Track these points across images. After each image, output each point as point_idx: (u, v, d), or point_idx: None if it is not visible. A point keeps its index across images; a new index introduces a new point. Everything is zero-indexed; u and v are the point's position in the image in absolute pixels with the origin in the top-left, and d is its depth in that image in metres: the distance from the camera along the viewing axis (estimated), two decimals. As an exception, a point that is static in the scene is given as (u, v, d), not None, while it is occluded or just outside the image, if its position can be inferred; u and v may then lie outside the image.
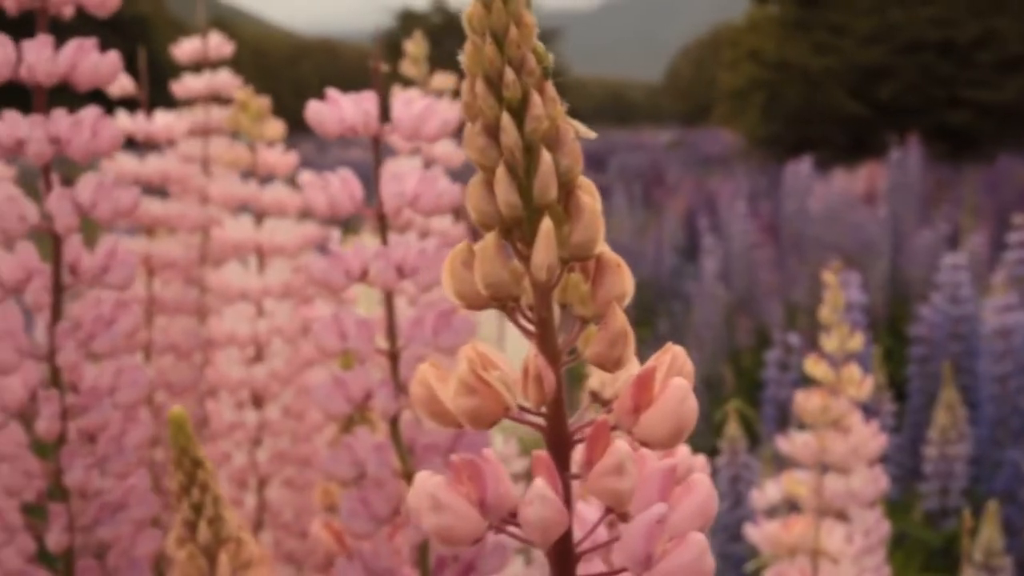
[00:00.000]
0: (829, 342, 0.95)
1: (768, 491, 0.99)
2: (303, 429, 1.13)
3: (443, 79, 1.43)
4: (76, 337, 0.64)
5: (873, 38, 19.20)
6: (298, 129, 1.11)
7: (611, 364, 0.33)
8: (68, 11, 0.66)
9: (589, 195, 0.33)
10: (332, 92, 0.70)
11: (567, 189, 0.33)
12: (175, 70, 1.32)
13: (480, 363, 0.33)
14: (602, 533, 0.36)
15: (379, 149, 0.69)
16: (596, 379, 0.36)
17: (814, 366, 0.94)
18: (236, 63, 1.36)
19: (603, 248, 0.34)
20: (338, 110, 0.68)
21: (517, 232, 0.33)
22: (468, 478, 0.33)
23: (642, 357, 0.35)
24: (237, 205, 1.17)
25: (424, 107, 0.68)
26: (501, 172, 0.32)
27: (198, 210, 1.19)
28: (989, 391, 1.79)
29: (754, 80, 20.55)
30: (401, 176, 0.68)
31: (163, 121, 1.20)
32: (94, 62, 0.66)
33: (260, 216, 1.17)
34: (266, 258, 1.16)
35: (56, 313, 0.66)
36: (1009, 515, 1.68)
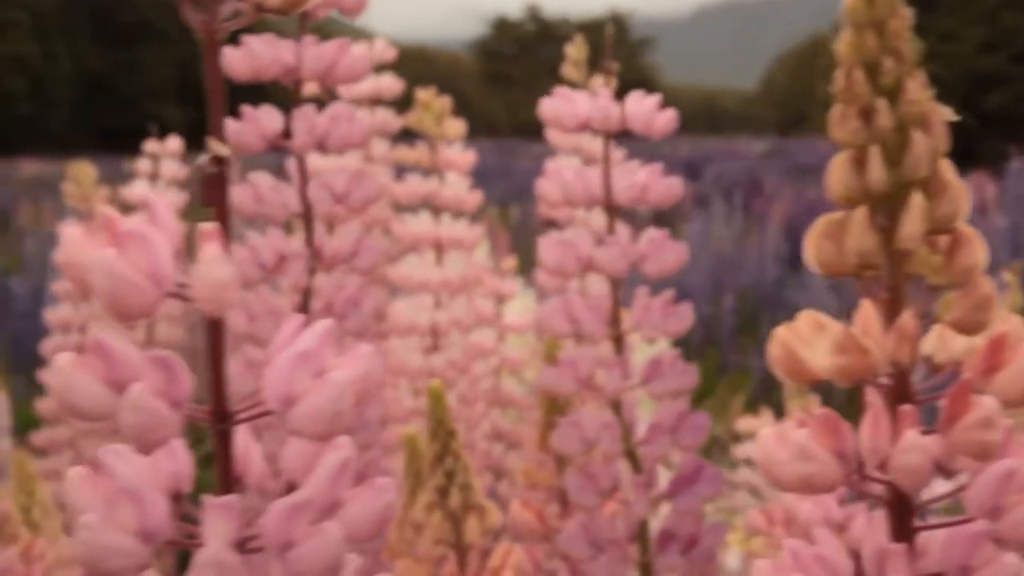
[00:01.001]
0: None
1: None
2: (473, 417, 1.18)
3: (601, 81, 1.46)
4: (329, 315, 0.69)
5: (986, 45, 18.78)
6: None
7: (973, 327, 0.36)
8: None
9: (951, 174, 0.36)
10: (563, 90, 0.74)
11: (932, 167, 0.36)
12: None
13: (848, 326, 0.36)
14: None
15: (608, 145, 0.73)
16: (928, 345, 0.39)
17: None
18: None
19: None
20: (573, 106, 0.72)
21: (882, 206, 0.36)
22: (826, 432, 0.36)
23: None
24: (419, 201, 1.22)
25: (653, 104, 0.72)
26: (874, 151, 0.35)
27: (380, 206, 1.24)
28: None
29: (856, 88, 20.17)
30: (633, 169, 0.71)
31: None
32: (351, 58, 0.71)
33: (437, 212, 1.22)
34: (444, 252, 1.20)
35: (308, 294, 0.71)
36: None
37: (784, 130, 58.25)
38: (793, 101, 54.65)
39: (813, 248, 0.37)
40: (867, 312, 0.37)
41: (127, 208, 1.38)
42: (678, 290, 0.76)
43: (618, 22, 67.13)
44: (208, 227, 0.31)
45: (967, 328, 0.36)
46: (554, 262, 0.72)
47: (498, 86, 65.85)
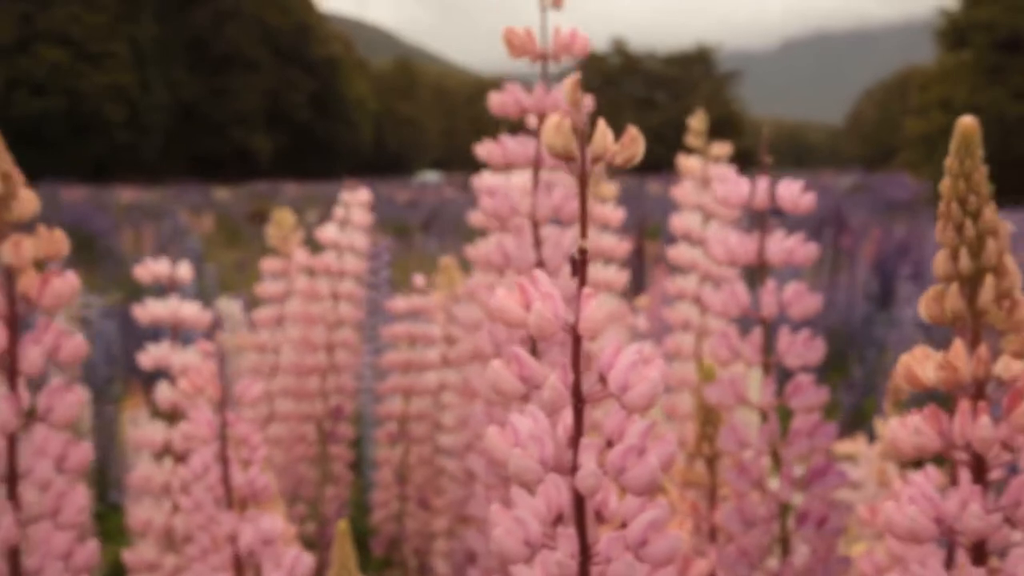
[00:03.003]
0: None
1: None
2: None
3: (721, 148, 1.69)
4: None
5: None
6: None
7: None
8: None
9: (1010, 262, 0.60)
10: (729, 173, 0.99)
11: (999, 259, 0.60)
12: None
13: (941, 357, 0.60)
14: None
15: (765, 217, 0.98)
16: (997, 368, 0.63)
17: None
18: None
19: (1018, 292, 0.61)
20: (739, 189, 0.97)
21: (968, 283, 0.60)
22: (933, 419, 0.61)
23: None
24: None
25: (798, 188, 0.97)
26: (963, 250, 0.60)
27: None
28: None
29: (943, 127, 20.21)
30: (781, 237, 0.96)
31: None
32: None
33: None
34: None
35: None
36: None
37: (870, 165, 57.73)
38: (880, 135, 53.87)
39: (925, 307, 0.62)
40: (958, 346, 0.61)
41: (317, 248, 1.65)
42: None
43: (704, 56, 67.41)
44: (586, 292, 0.57)
45: (1021, 356, 0.60)
46: (721, 305, 0.96)
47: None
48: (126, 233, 9.96)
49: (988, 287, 0.60)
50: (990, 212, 0.61)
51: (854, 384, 4.18)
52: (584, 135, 0.58)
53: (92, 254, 9.21)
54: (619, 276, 1.46)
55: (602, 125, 0.62)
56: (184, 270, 0.68)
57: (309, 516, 0.99)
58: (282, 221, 1.60)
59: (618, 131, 0.86)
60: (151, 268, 0.67)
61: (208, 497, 0.54)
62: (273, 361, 1.19)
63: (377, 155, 61.42)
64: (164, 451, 0.83)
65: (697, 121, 1.68)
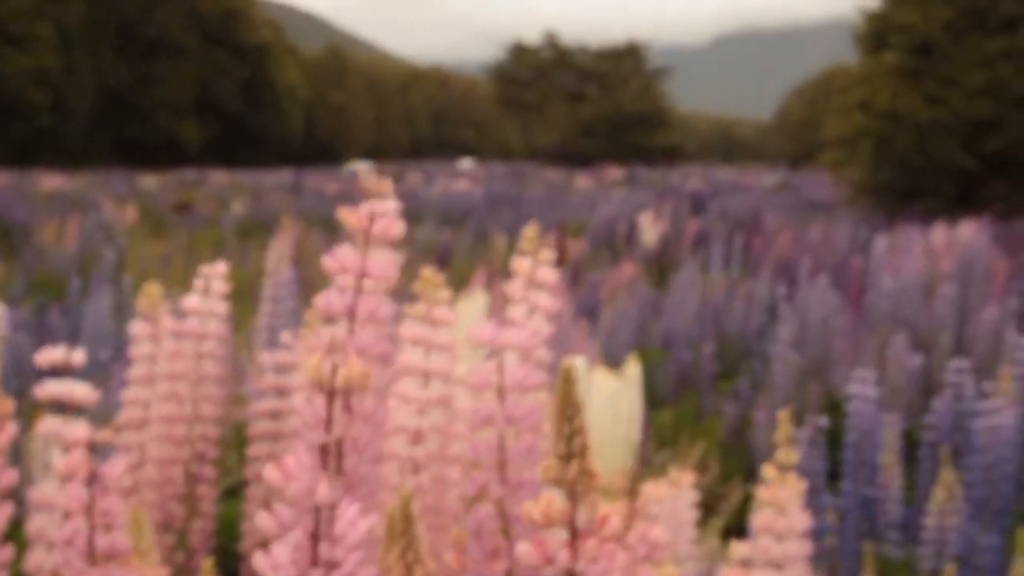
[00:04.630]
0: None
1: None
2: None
3: (546, 254, 1.79)
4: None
5: (982, 91, 19.32)
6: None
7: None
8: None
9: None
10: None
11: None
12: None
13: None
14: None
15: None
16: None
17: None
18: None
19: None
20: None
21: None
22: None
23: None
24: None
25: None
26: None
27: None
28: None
29: (863, 129, 20.76)
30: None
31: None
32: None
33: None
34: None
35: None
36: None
37: (797, 161, 58.74)
38: (806, 133, 54.97)
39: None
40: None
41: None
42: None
43: (635, 51, 67.65)
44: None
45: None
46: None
47: (513, 110, 66.27)
48: (47, 224, 9.80)
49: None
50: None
51: (739, 395, 4.38)
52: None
53: (9, 245, 9.09)
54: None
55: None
56: (78, 357, 0.83)
57: (178, 545, 1.16)
58: (151, 293, 1.56)
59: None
60: (48, 355, 0.83)
61: (75, 555, 0.72)
62: (143, 414, 1.23)
63: (307, 144, 60.88)
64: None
65: (530, 231, 1.71)
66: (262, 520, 0.63)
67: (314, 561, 0.63)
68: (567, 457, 0.69)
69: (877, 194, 21.06)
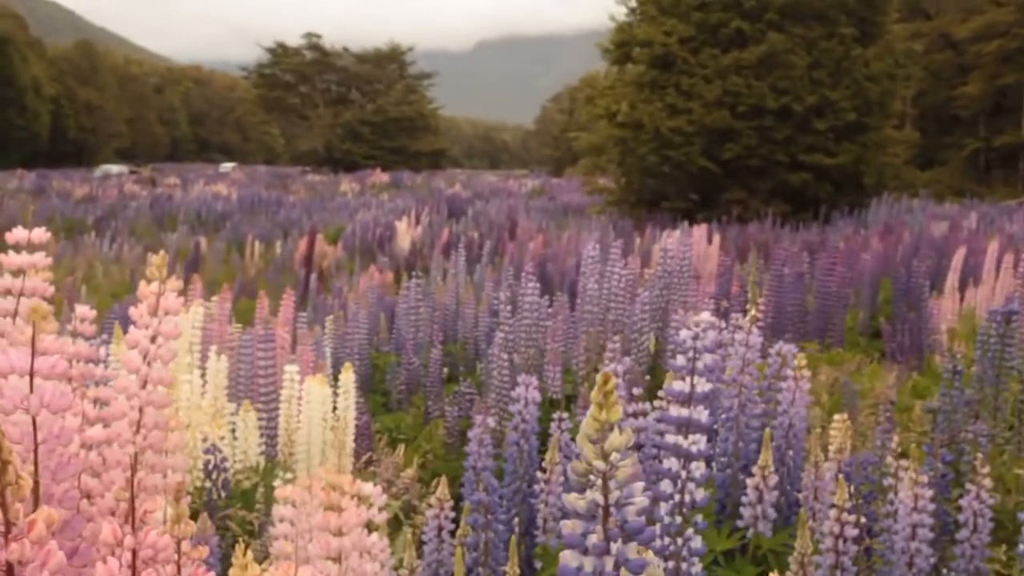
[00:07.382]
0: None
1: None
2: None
3: (175, 283, 1.78)
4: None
5: (718, 103, 20.52)
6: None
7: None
8: None
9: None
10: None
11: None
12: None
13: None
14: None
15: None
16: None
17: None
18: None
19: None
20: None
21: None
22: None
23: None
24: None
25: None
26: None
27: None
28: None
29: (610, 138, 21.63)
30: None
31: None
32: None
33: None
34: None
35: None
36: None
37: (559, 166, 60.26)
38: (565, 139, 56.70)
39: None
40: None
41: None
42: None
43: (397, 54, 67.54)
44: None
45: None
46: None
47: (275, 113, 64.71)
48: None
49: None
50: None
51: (462, 396, 4.58)
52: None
53: None
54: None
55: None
56: None
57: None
58: None
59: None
60: None
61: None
62: None
63: (56, 144, 57.66)
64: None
65: (159, 259, 1.71)
66: None
67: None
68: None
69: (626, 200, 22.02)
